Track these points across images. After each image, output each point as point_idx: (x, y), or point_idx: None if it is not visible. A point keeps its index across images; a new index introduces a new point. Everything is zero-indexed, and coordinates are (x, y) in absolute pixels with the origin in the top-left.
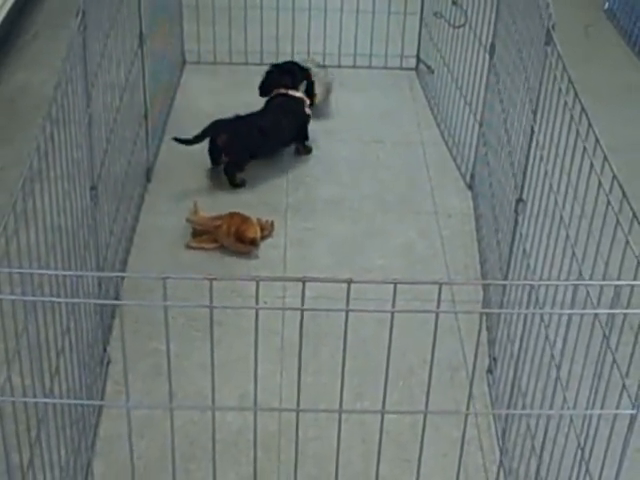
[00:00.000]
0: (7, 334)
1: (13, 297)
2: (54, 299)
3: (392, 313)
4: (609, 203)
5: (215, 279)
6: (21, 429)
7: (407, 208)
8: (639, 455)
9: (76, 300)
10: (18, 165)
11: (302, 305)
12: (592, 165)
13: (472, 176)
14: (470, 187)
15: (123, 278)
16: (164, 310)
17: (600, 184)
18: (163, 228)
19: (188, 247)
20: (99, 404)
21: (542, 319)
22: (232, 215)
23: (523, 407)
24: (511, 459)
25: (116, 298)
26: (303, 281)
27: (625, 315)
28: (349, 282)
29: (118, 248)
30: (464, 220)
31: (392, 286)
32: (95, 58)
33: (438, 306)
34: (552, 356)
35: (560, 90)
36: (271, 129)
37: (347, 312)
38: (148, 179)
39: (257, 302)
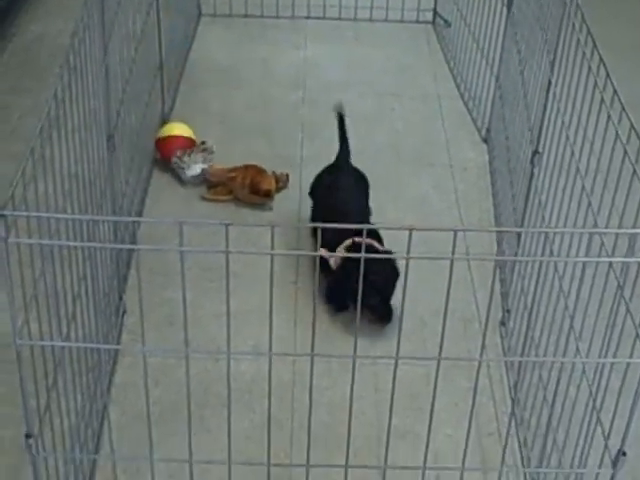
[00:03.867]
0: (24, 280)
1: (31, 241)
2: (71, 243)
3: (407, 260)
4: (626, 153)
5: (231, 224)
6: (39, 376)
7: (422, 161)
8: None
9: (92, 244)
10: (35, 114)
11: (317, 251)
12: (609, 116)
13: (488, 130)
14: (486, 141)
15: (139, 225)
16: (180, 255)
17: (617, 135)
18: (178, 179)
19: (203, 199)
20: (115, 348)
21: (556, 269)
22: (247, 167)
23: (535, 357)
24: (523, 409)
25: (133, 239)
26: (318, 228)
27: (639, 269)
28: (365, 228)
29: (133, 199)
30: (479, 174)
31: (406, 237)
32: (112, 7)
33: (453, 253)
34: (566, 307)
35: (579, 41)
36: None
37: (362, 259)
38: None
39: (272, 248)
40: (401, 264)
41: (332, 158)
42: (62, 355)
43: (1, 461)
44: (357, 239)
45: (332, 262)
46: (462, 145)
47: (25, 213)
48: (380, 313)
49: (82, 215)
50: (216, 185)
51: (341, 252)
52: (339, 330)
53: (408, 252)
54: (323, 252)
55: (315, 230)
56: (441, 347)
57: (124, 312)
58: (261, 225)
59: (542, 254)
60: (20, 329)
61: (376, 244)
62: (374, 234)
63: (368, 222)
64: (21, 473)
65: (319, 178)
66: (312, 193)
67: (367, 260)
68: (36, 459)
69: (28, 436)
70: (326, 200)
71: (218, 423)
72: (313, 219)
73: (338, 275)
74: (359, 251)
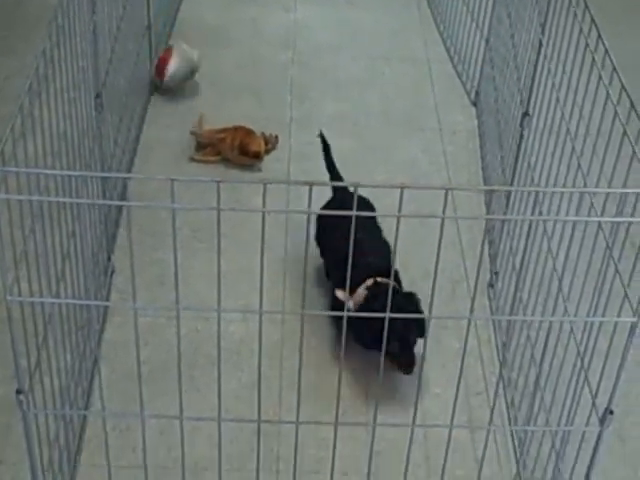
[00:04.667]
0: (14, 239)
1: (21, 197)
2: (60, 199)
3: (398, 218)
4: (616, 114)
5: (222, 181)
6: (29, 334)
7: (411, 125)
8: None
9: (82, 200)
10: (22, 75)
11: (309, 208)
12: (600, 77)
13: (477, 93)
14: (475, 104)
15: (128, 184)
16: (172, 213)
17: (608, 95)
18: (166, 141)
19: (192, 160)
20: (105, 305)
21: (545, 231)
22: (236, 128)
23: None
24: (510, 370)
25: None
26: (310, 184)
27: (628, 229)
28: (356, 186)
29: (122, 159)
30: (468, 137)
31: (396, 197)
32: None
33: (444, 211)
34: (554, 268)
35: (570, 1)
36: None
37: (354, 217)
38: (151, 92)
39: (264, 206)
40: (391, 222)
41: (321, 120)
42: (52, 312)
43: None
44: (380, 279)
45: (351, 305)
46: (451, 109)
47: (15, 169)
48: (400, 361)
49: (72, 171)
50: (205, 146)
51: (361, 293)
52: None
53: (400, 210)
54: (340, 294)
55: (328, 271)
56: (431, 305)
57: (113, 272)
58: (253, 182)
59: (532, 214)
60: (10, 286)
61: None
62: (393, 275)
63: (388, 260)
64: (12, 431)
65: (322, 219)
66: (318, 238)
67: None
68: (27, 415)
69: (19, 392)
70: (335, 243)
71: (207, 382)
72: (327, 268)
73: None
74: (381, 292)
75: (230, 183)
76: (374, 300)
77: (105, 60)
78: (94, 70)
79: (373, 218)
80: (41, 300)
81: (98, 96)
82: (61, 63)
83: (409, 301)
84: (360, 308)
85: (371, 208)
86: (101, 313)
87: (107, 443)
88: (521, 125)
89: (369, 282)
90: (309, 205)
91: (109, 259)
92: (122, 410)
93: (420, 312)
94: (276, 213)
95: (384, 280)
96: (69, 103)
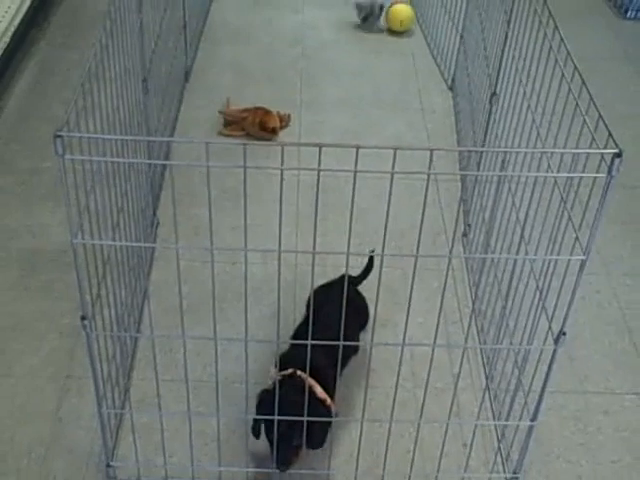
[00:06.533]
0: (78, 197)
1: (83, 157)
2: (116, 159)
3: (392, 175)
4: (570, 91)
5: (247, 144)
6: (91, 274)
7: (398, 106)
8: (583, 302)
9: (134, 160)
10: (82, 67)
11: (319, 167)
12: (556, 60)
13: (453, 79)
14: (451, 88)
15: (169, 152)
16: (207, 170)
17: (563, 75)
18: (200, 119)
19: (220, 134)
20: (152, 246)
21: (510, 189)
22: (257, 108)
23: (492, 261)
24: (481, 303)
25: (164, 167)
26: (320, 146)
27: (578, 186)
28: (357, 147)
29: (164, 134)
30: (445, 115)
31: (384, 161)
32: None
33: (429, 168)
34: (517, 219)
35: (531, 1)
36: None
37: (355, 173)
38: (187, 79)
39: (282, 164)
40: (384, 192)
41: (326, 102)
42: (109, 255)
43: (60, 343)
44: (299, 373)
45: (269, 377)
46: (431, 92)
47: (78, 134)
48: (274, 455)
49: (124, 136)
50: (231, 123)
51: (275, 376)
52: (332, 240)
53: (393, 167)
54: (272, 371)
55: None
56: (418, 246)
57: (158, 224)
58: (272, 144)
59: (499, 177)
60: (75, 232)
61: (316, 388)
62: (325, 374)
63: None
64: (77, 353)
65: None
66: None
67: (288, 399)
68: (89, 337)
69: (83, 318)
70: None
71: (235, 313)
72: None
73: (263, 398)
74: (289, 391)
75: (253, 147)
76: (273, 391)
77: (150, 50)
78: (141, 59)
79: (356, 317)
80: (100, 242)
81: (145, 80)
82: (114, 52)
83: (314, 408)
84: (265, 390)
85: (361, 306)
86: (149, 258)
87: (155, 360)
88: (490, 102)
89: (289, 371)
90: (319, 164)
91: (154, 214)
92: (167, 333)
93: (319, 425)
94: (290, 177)
95: (303, 376)
96: (121, 86)
